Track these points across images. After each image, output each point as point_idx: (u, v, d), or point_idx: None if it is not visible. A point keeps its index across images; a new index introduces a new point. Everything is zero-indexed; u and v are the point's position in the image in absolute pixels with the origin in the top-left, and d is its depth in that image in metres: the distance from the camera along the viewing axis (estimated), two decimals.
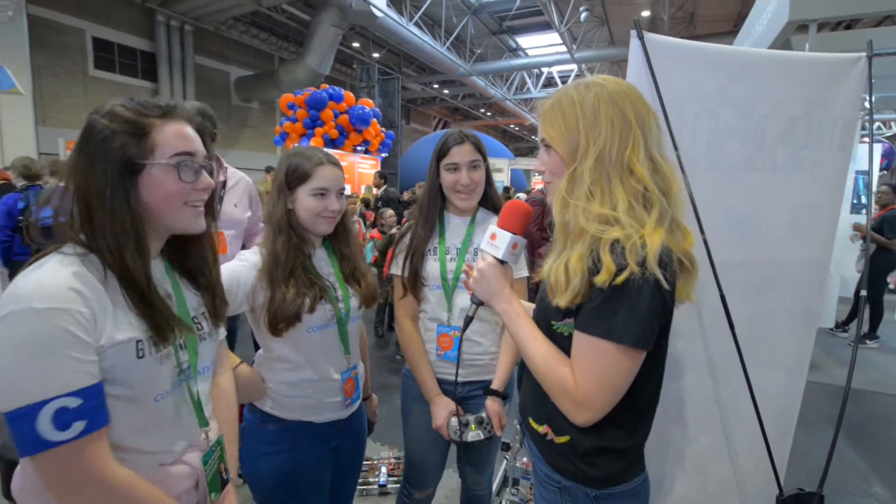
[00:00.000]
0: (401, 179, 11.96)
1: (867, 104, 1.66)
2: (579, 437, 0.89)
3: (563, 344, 0.87)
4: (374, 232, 4.86)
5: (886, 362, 4.49)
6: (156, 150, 0.76)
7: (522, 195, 6.09)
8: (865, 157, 2.96)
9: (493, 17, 13.97)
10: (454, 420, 1.40)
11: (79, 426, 0.66)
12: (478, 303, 1.00)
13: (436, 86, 18.98)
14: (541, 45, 15.63)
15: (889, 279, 4.93)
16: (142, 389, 0.77)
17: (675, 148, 1.35)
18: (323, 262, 1.29)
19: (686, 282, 0.86)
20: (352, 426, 1.37)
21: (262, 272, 1.19)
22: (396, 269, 1.51)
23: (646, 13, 12.38)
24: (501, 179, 12.83)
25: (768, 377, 1.58)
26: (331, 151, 1.37)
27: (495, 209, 1.53)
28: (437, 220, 1.49)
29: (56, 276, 0.69)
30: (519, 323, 0.92)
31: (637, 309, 0.77)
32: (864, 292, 1.77)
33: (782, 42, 3.16)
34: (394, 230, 4.56)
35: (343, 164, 1.30)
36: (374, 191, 7.74)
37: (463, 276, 1.07)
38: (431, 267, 1.46)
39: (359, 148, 10.19)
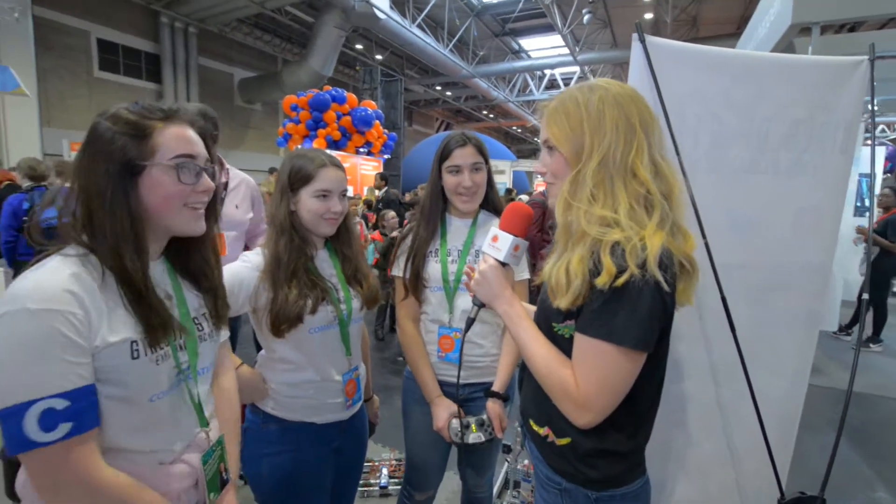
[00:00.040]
0: (403, 181, 11.97)
1: (870, 107, 1.66)
2: (580, 439, 0.89)
3: (565, 346, 0.87)
4: (376, 234, 4.87)
5: (890, 366, 4.47)
6: (156, 151, 0.77)
7: (524, 197, 6.10)
8: (869, 160, 2.95)
9: (495, 19, 14.00)
10: (455, 422, 1.40)
11: (65, 428, 0.67)
12: (479, 305, 1.00)
13: (438, 88, 19.02)
14: (543, 48, 15.65)
15: (894, 282, 4.91)
16: (137, 390, 0.77)
17: (677, 151, 1.35)
18: (325, 264, 1.30)
19: (687, 284, 0.86)
20: (353, 427, 1.37)
21: (264, 273, 1.20)
22: (398, 270, 1.51)
23: (649, 15, 12.39)
24: (504, 181, 12.83)
25: (770, 380, 1.58)
26: (333, 153, 1.38)
27: (497, 211, 1.53)
28: (439, 221, 1.49)
29: (53, 277, 0.70)
30: (520, 325, 0.92)
31: (637, 311, 0.77)
32: (865, 296, 1.76)
33: (785, 45, 3.15)
34: (395, 233, 4.56)
35: (345, 165, 1.30)
36: (376, 192, 7.76)
37: (464, 277, 1.07)
38: (433, 268, 1.46)
39: (361, 149, 10.21)
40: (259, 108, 15.29)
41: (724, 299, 1.41)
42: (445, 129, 24.40)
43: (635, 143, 0.84)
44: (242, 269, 1.21)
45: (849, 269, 5.41)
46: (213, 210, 0.89)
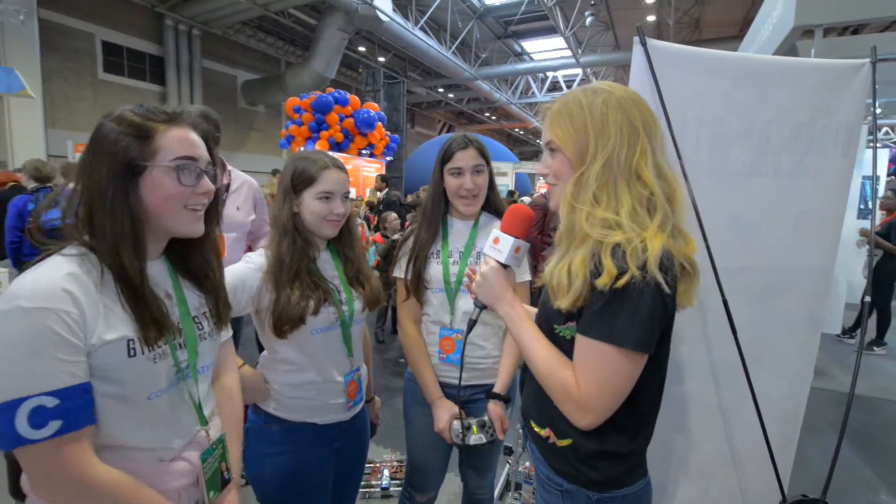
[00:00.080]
0: (406, 183, 12.00)
1: (873, 110, 1.66)
2: (581, 441, 0.89)
3: (566, 347, 0.87)
4: (377, 236, 4.87)
5: (893, 368, 4.45)
6: (158, 153, 0.78)
7: (526, 199, 6.10)
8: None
9: (498, 21, 14.03)
10: (456, 423, 1.40)
11: (55, 425, 0.68)
12: (481, 306, 1.01)
13: (441, 90, 19.05)
14: (546, 50, 15.67)
15: None
16: (134, 388, 0.78)
17: (678, 153, 1.36)
18: (327, 265, 1.31)
19: (687, 286, 0.86)
20: (354, 428, 1.38)
21: (267, 274, 1.21)
22: (399, 271, 1.52)
23: (651, 18, 12.39)
24: (506, 183, 12.84)
25: (771, 383, 1.58)
26: (336, 155, 1.39)
27: (498, 213, 1.53)
28: (441, 223, 1.50)
29: (49, 276, 0.71)
30: (521, 326, 0.92)
31: (638, 312, 0.77)
32: (868, 298, 1.75)
33: (788, 47, 3.15)
34: (396, 235, 4.57)
35: (348, 167, 1.31)
36: (378, 195, 7.77)
37: (466, 279, 1.07)
38: (434, 270, 1.46)
39: (364, 151, 10.24)
40: (262, 110, 15.34)
41: (725, 301, 1.41)
42: (448, 132, 24.44)
43: (639, 147, 0.84)
44: (245, 270, 1.22)
45: (852, 272, 5.39)
46: (214, 212, 0.90)
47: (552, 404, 0.88)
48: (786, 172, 1.52)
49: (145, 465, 0.80)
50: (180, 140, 0.80)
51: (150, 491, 0.79)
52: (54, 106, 10.30)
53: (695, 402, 1.61)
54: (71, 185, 0.78)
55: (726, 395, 1.60)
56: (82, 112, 10.82)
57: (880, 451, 3.00)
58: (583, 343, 0.83)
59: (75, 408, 0.70)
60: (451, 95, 19.74)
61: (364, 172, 10.35)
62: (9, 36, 8.26)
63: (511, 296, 0.96)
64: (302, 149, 8.50)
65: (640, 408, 0.89)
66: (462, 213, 1.49)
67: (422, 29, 11.87)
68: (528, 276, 1.51)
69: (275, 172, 8.05)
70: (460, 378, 1.17)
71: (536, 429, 0.98)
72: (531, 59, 16.43)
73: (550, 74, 17.24)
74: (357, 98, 9.98)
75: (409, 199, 8.07)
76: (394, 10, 10.62)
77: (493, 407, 1.43)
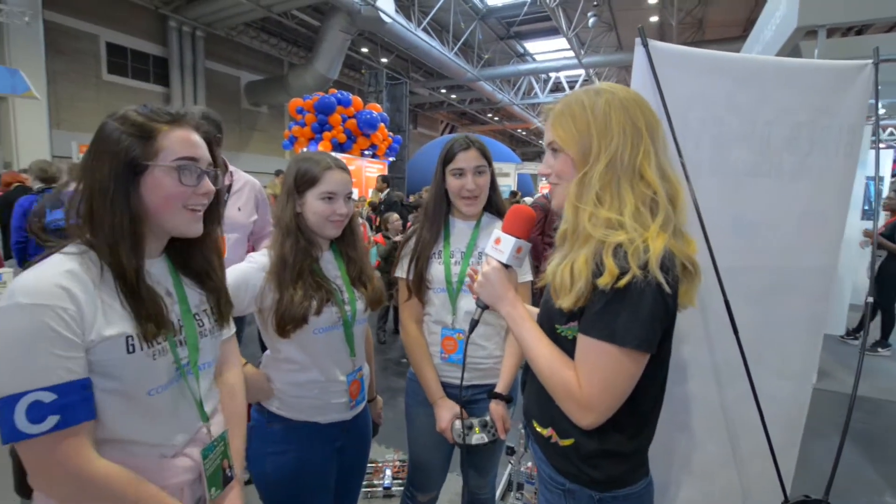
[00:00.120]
0: (408, 183, 12.01)
1: (876, 110, 1.66)
2: (583, 440, 0.89)
3: (568, 347, 0.88)
4: (378, 237, 4.86)
5: None
6: (160, 153, 0.79)
7: (529, 199, 6.10)
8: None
9: (500, 22, 14.04)
10: (458, 423, 1.40)
11: (52, 420, 0.69)
12: (483, 306, 1.01)
13: (443, 91, 19.07)
14: (548, 51, 15.68)
15: None
16: (133, 384, 0.78)
17: (680, 154, 1.36)
18: (330, 265, 1.31)
19: (689, 286, 0.87)
20: (357, 427, 1.38)
21: (270, 274, 1.21)
22: (401, 272, 1.53)
23: (654, 18, 12.37)
24: (508, 184, 12.84)
25: (774, 383, 1.57)
26: (339, 156, 1.40)
27: (500, 214, 1.54)
28: (442, 224, 1.50)
29: (47, 273, 0.72)
30: (523, 326, 0.93)
31: (639, 312, 0.78)
32: (870, 299, 1.75)
33: (791, 47, 3.14)
34: (398, 237, 4.57)
35: (350, 168, 1.32)
36: (379, 195, 7.78)
37: (468, 279, 1.08)
38: (436, 270, 1.47)
39: (366, 152, 10.26)
40: (265, 111, 15.40)
41: (727, 302, 1.41)
42: (450, 132, 24.45)
43: (642, 147, 0.84)
44: (248, 269, 1.22)
45: (857, 274, 5.37)
46: (214, 212, 0.91)
47: (554, 404, 0.88)
48: (787, 173, 1.52)
49: (147, 461, 0.81)
50: (182, 141, 0.81)
51: (151, 486, 0.79)
52: (59, 107, 10.37)
53: (697, 403, 1.61)
54: (73, 185, 0.79)
55: (729, 395, 1.60)
56: (86, 113, 10.88)
57: (883, 452, 2.99)
58: (584, 343, 0.83)
59: (73, 403, 0.70)
60: (453, 96, 19.76)
61: (367, 173, 10.37)
62: (14, 37, 8.32)
63: (513, 296, 0.96)
64: (305, 149, 8.52)
65: (641, 407, 0.89)
66: (464, 213, 1.49)
67: (424, 30, 11.89)
68: (529, 276, 1.51)
69: (278, 173, 8.07)
70: (462, 378, 1.17)
71: (538, 428, 0.98)
72: (534, 59, 16.43)
73: (553, 75, 17.24)
74: (360, 99, 10.01)
75: (412, 199, 8.07)
76: (396, 11, 10.65)
77: (495, 407, 1.43)
